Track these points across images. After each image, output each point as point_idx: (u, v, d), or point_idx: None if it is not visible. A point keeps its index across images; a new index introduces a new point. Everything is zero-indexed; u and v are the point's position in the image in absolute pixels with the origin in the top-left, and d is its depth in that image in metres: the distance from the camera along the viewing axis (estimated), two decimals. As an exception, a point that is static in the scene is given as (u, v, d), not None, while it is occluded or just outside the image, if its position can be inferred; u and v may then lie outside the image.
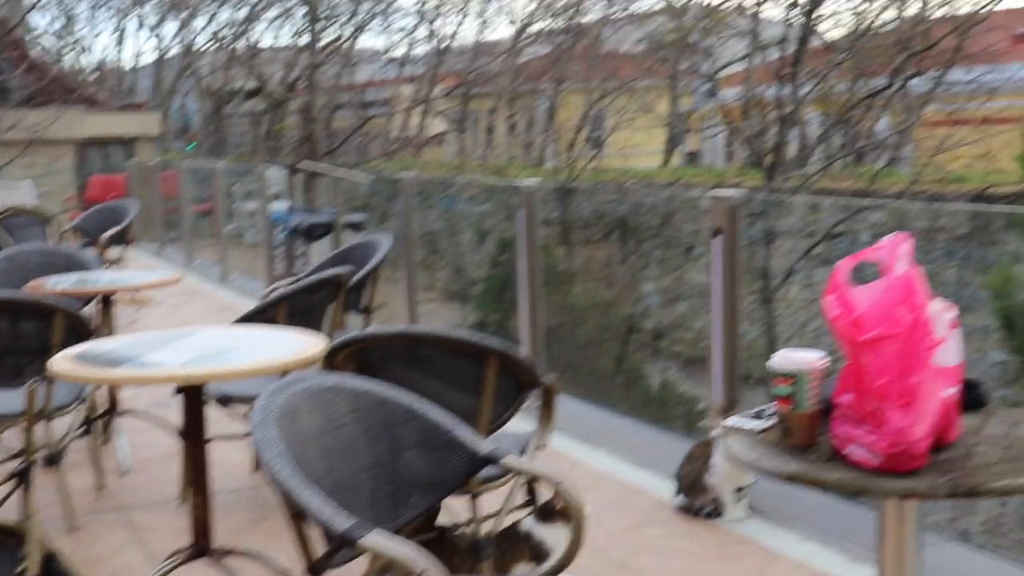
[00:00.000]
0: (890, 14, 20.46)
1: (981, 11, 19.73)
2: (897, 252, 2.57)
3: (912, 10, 20.26)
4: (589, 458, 5.98)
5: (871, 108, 20.47)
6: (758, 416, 2.88)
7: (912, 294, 2.49)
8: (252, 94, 28.22)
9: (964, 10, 19.80)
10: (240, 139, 32.56)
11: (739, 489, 5.00)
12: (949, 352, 2.55)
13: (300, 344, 4.14)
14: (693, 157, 28.79)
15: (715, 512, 5.04)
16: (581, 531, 3.12)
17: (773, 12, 20.45)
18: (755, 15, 20.50)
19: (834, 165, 18.55)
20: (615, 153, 22.95)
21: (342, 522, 2.53)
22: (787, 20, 19.38)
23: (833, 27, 20.45)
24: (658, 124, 23.21)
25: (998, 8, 20.28)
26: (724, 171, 23.03)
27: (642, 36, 24.18)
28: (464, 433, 3.15)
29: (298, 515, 2.71)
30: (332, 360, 3.88)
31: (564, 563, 3.18)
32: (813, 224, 15.90)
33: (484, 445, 3.14)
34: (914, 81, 20.04)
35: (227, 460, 5.39)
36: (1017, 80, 20.96)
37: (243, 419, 4.91)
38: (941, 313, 2.55)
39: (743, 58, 22.67)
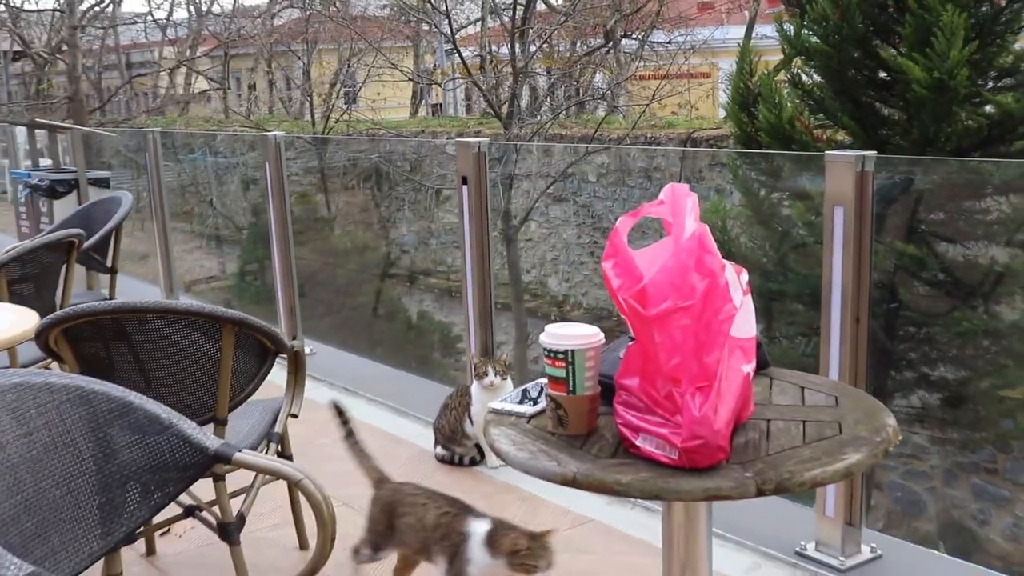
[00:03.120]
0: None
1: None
2: (682, 206, 1.89)
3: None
4: (351, 408, 5.17)
5: (590, 65, 20.31)
6: (526, 398, 2.19)
7: (704, 256, 1.83)
8: (18, 56, 26.05)
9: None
10: (11, 99, 29.96)
11: (497, 437, 4.35)
12: (745, 322, 1.91)
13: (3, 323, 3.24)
14: (437, 109, 28.10)
15: (475, 460, 4.39)
16: (329, 529, 2.36)
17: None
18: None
19: (562, 114, 18.16)
20: (367, 107, 22.01)
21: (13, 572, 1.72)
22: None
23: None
24: (404, 80, 22.35)
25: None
26: (465, 120, 22.40)
27: (386, 1, 23.27)
28: (188, 427, 2.34)
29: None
30: (45, 340, 2.98)
31: (318, 562, 2.42)
32: (547, 166, 15.44)
33: (213, 441, 2.34)
34: (624, 41, 19.98)
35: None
36: (705, 41, 21.45)
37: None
38: (735, 277, 1.90)
39: (477, 20, 22.08)
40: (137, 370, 3.09)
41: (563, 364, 1.95)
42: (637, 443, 1.85)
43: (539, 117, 17.64)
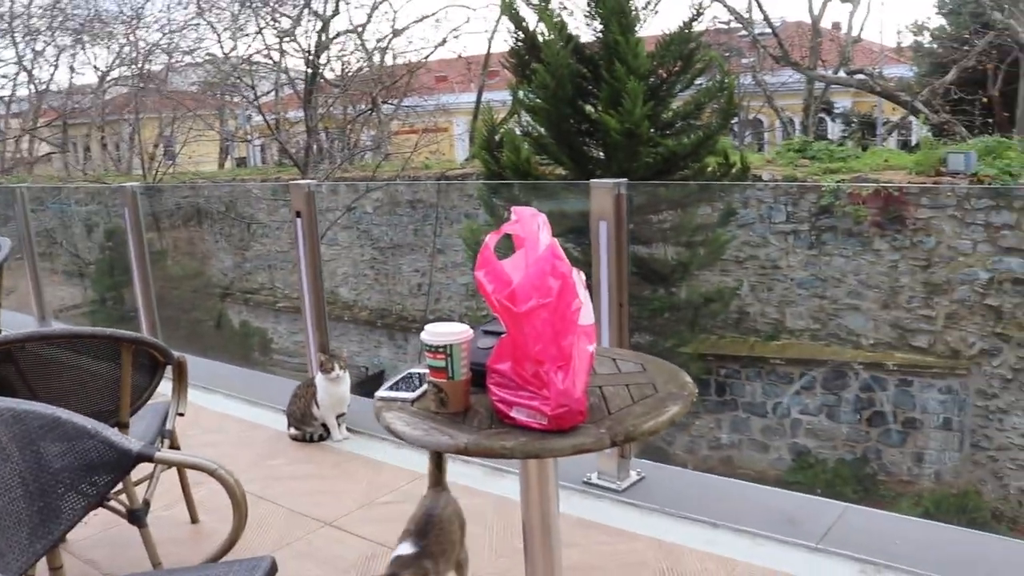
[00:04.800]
0: (367, 60, 20.13)
1: (422, 60, 20.16)
2: (532, 224, 1.79)
3: (378, 59, 20.13)
4: (210, 403, 4.81)
5: (359, 124, 20.07)
6: (404, 385, 2.02)
7: (557, 263, 1.73)
8: None
9: (413, 58, 20.08)
10: None
11: (340, 415, 4.12)
12: (587, 312, 1.82)
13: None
14: (242, 161, 26.95)
15: (323, 437, 4.14)
16: (243, 507, 2.11)
17: (292, 60, 19.56)
18: (278, 63, 19.22)
19: (345, 162, 17.75)
20: (186, 162, 20.83)
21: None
22: (306, 63, 18.27)
23: (330, 70, 19.61)
24: (215, 139, 21.29)
25: (431, 58, 20.67)
26: (266, 169, 21.62)
27: (197, 79, 22.14)
28: (112, 434, 2.04)
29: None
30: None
31: (234, 539, 2.15)
32: (334, 202, 15.06)
33: (135, 444, 2.06)
34: (384, 106, 19.87)
35: None
36: (443, 104, 21.62)
37: None
38: (578, 278, 1.81)
39: (270, 92, 21.34)
40: (47, 387, 2.71)
41: (443, 356, 1.81)
42: (512, 414, 1.73)
43: (325, 164, 17.18)
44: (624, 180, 3.25)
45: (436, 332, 1.83)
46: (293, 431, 4.17)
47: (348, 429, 4.17)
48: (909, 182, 11.00)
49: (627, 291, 3.28)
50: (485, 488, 3.55)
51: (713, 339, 10.71)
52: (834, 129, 24.86)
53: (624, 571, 2.92)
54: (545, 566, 2.05)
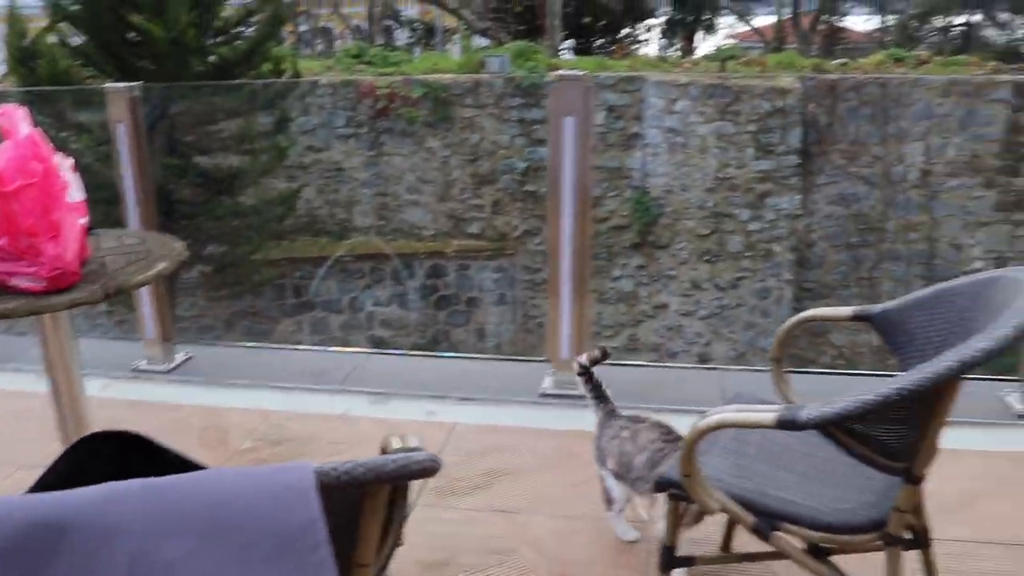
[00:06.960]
0: None
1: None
2: (16, 118, 2.08)
3: None
4: None
5: None
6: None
7: (39, 149, 2.05)
8: None
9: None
10: None
11: None
12: (76, 191, 2.16)
13: None
14: None
15: None
16: None
17: None
18: None
19: None
20: None
21: None
22: None
23: None
24: None
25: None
26: None
27: None
28: None
29: None
30: None
31: None
32: None
33: None
34: None
35: None
36: None
37: None
38: (62, 162, 2.14)
39: None
40: None
41: (-58, 240, 2.05)
42: (13, 283, 2.04)
43: None
44: (138, 83, 3.53)
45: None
46: None
47: None
48: (453, 82, 12.15)
49: (150, 186, 3.59)
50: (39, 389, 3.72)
51: (286, 244, 11.17)
52: (401, 36, 26.11)
53: (170, 435, 3.31)
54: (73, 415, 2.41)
